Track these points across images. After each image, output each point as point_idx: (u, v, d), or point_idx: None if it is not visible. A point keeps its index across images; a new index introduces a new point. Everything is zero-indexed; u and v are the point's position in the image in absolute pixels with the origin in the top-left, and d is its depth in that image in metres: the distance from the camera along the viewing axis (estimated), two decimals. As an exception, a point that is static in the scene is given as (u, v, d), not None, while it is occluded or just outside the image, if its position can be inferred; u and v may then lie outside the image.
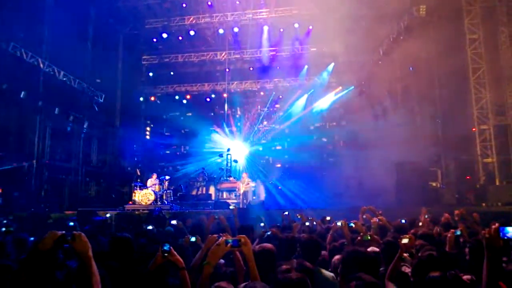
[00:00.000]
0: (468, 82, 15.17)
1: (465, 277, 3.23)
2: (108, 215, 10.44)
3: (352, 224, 5.04)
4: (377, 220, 5.72)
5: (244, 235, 2.85)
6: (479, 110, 15.05)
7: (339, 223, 4.93)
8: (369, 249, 4.20)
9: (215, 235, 3.27)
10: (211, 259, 2.62)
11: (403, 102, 17.39)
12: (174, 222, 6.99)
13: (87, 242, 2.26)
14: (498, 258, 2.51)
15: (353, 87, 20.50)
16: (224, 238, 2.74)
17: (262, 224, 6.17)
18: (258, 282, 2.52)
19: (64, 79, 16.14)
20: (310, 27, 19.57)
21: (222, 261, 3.80)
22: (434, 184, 15.43)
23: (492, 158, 14.67)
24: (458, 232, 4.26)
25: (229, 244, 2.69)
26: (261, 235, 5.12)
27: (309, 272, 2.86)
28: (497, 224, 2.53)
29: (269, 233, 5.10)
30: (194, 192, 17.43)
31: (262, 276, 2.85)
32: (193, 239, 4.33)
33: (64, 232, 2.28)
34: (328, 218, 7.22)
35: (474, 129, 15.07)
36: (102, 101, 18.16)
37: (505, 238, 2.45)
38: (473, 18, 15.23)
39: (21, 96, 13.72)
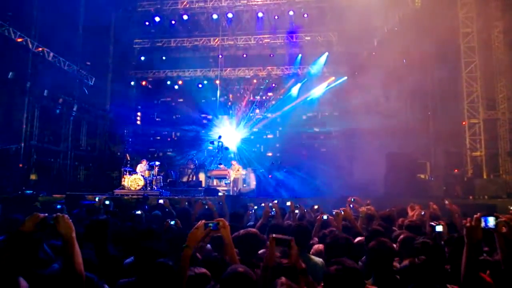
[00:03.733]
0: (460, 75, 15.25)
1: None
2: (97, 199, 10.35)
3: (341, 212, 5.08)
4: (366, 209, 5.76)
5: (222, 219, 2.89)
6: (470, 104, 15.16)
7: (325, 217, 5.02)
8: (357, 239, 4.25)
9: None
10: (190, 242, 2.63)
11: (396, 94, 17.43)
12: (161, 201, 7.12)
13: (70, 224, 2.31)
14: (477, 248, 2.54)
15: (346, 77, 20.46)
16: (203, 221, 2.75)
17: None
18: (239, 265, 2.53)
19: (54, 60, 15.82)
20: (305, 16, 19.40)
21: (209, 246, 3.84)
22: (422, 176, 15.60)
23: (480, 151, 14.86)
24: (440, 228, 4.20)
25: (208, 227, 2.71)
26: (265, 214, 5.42)
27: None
28: (479, 214, 2.56)
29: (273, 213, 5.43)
30: (184, 179, 17.39)
31: (245, 259, 2.86)
32: (172, 222, 4.42)
33: (46, 214, 2.33)
34: (316, 207, 7.27)
35: (464, 123, 15.22)
36: (92, 84, 17.88)
37: (487, 228, 2.49)
38: (467, 11, 15.22)
39: (9, 76, 13.41)
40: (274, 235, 2.74)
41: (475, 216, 2.55)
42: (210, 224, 2.74)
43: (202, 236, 2.72)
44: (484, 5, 15.36)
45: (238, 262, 2.79)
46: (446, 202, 6.43)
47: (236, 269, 2.35)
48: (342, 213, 4.98)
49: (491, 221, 2.50)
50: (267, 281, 2.56)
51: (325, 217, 5.06)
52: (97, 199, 10.23)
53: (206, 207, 6.22)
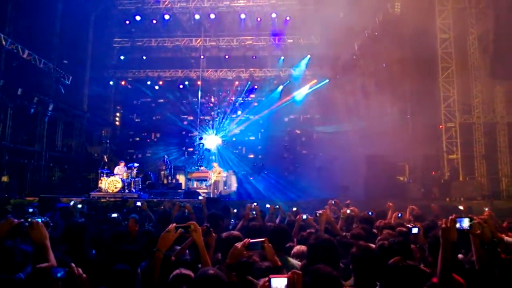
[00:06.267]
0: (437, 80, 15.61)
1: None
2: (72, 203, 10.05)
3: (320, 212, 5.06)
4: (348, 211, 5.76)
5: (194, 222, 2.87)
6: (446, 108, 15.55)
7: (304, 216, 5.01)
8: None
9: None
10: (161, 246, 2.60)
11: (375, 97, 17.68)
12: (139, 203, 6.99)
13: (45, 231, 2.27)
14: (453, 249, 2.58)
15: (327, 80, 20.64)
16: (174, 224, 2.73)
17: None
18: (211, 267, 2.50)
19: (29, 58, 15.29)
20: (288, 18, 19.47)
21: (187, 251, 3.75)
22: (401, 178, 15.85)
23: (456, 154, 15.24)
24: (415, 230, 4.21)
25: (179, 230, 2.69)
26: (245, 216, 5.40)
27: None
28: (454, 215, 2.60)
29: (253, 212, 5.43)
30: (164, 181, 17.11)
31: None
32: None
33: (22, 220, 2.30)
34: (294, 209, 7.25)
35: (441, 126, 15.57)
36: (69, 83, 17.37)
37: (462, 229, 2.55)
38: (444, 18, 15.63)
39: (-20, 74, 12.91)
40: (249, 240, 2.73)
41: (450, 217, 2.60)
42: (181, 228, 2.71)
43: (174, 239, 2.68)
44: (461, 12, 15.79)
45: (210, 265, 2.76)
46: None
47: (207, 271, 2.31)
48: (325, 214, 4.95)
49: (466, 222, 2.56)
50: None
51: (304, 217, 5.04)
52: (72, 202, 9.95)
53: (186, 210, 6.09)
